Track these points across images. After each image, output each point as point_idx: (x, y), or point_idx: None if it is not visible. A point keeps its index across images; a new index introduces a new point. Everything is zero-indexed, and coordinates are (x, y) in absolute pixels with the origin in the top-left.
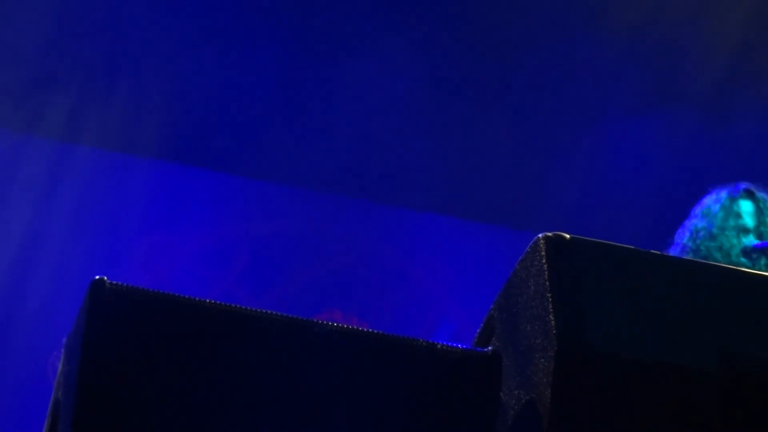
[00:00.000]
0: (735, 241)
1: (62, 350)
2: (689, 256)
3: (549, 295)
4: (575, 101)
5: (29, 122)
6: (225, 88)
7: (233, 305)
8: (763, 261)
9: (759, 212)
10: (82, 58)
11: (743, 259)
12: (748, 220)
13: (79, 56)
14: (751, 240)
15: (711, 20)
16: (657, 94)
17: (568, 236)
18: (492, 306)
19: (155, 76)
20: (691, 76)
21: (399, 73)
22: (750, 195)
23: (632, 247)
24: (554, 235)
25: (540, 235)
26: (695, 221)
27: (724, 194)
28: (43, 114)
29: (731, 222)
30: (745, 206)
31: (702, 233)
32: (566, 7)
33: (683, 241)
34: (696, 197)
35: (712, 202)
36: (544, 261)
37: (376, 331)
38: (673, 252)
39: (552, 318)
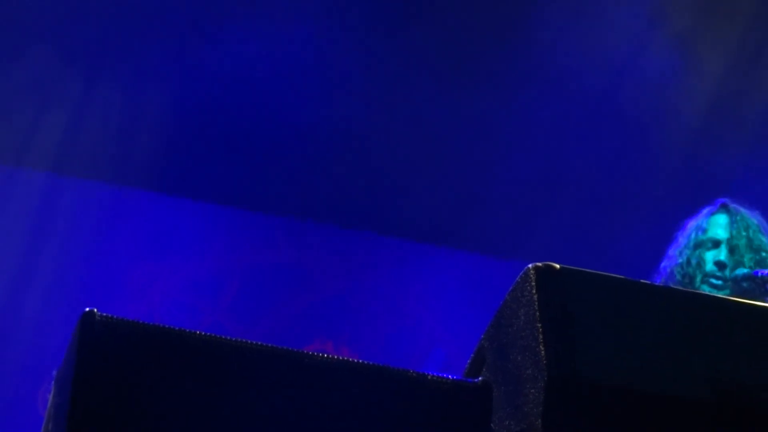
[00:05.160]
0: (694, 259)
1: (53, 383)
2: (661, 280)
3: (539, 325)
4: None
5: (18, 154)
6: (214, 121)
7: (225, 337)
8: (754, 289)
9: (733, 224)
10: (72, 88)
11: (712, 280)
12: (720, 233)
13: (68, 86)
14: (721, 251)
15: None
16: (640, 125)
17: (557, 266)
18: (482, 336)
19: (144, 107)
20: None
21: (405, 92)
22: (725, 208)
23: (622, 276)
24: (544, 265)
25: (530, 265)
26: (672, 245)
27: (702, 213)
28: (32, 145)
29: (693, 238)
30: (717, 219)
31: (672, 254)
32: None
33: (661, 265)
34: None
35: (690, 224)
36: (534, 291)
37: (366, 362)
38: (656, 278)
39: (542, 348)
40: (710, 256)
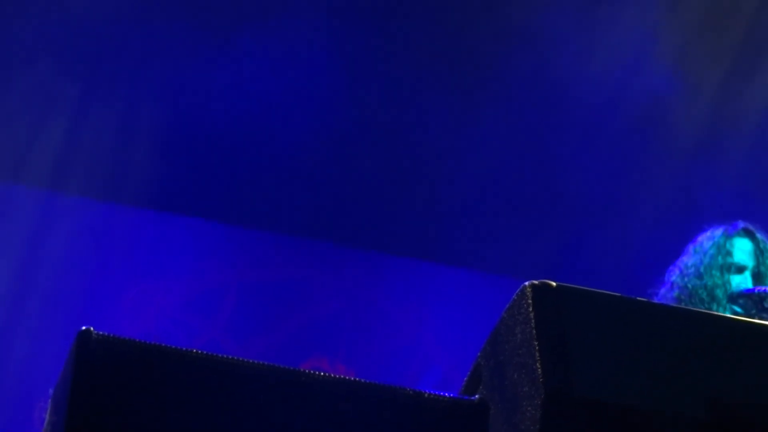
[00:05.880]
0: (720, 281)
1: (49, 401)
2: (676, 294)
3: (536, 343)
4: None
5: (14, 171)
6: (211, 138)
7: (220, 355)
8: (750, 306)
9: (759, 252)
10: (69, 105)
11: (730, 302)
12: (746, 259)
13: (65, 103)
14: (746, 278)
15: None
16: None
17: (554, 284)
18: (479, 354)
19: (141, 125)
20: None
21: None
22: (748, 234)
23: (618, 294)
24: (540, 282)
25: (526, 283)
26: (685, 258)
27: (718, 232)
28: (28, 162)
29: (719, 260)
30: (742, 244)
31: (691, 270)
32: None
33: (672, 279)
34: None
35: (705, 239)
36: (530, 309)
37: (362, 380)
38: (662, 289)
39: (539, 366)
40: (736, 281)
